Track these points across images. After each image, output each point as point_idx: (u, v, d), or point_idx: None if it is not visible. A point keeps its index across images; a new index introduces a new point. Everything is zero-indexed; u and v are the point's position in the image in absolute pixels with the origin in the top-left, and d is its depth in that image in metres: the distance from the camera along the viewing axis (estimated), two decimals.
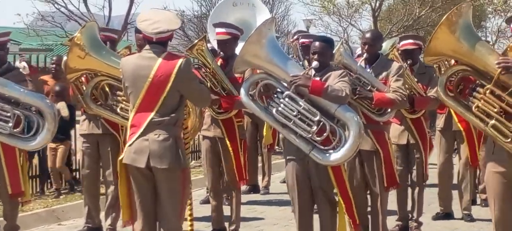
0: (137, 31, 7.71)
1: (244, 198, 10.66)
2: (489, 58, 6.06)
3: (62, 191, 11.03)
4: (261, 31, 6.63)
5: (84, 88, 7.93)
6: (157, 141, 6.19)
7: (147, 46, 6.33)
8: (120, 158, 6.37)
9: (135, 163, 6.24)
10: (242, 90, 6.77)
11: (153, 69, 6.21)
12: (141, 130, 6.21)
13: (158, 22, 6.30)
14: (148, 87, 6.21)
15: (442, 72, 7.85)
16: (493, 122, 6.06)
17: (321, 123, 6.52)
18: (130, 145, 6.26)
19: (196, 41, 8.33)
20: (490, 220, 8.21)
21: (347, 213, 6.86)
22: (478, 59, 6.10)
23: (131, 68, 6.32)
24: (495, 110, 6.05)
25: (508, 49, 7.12)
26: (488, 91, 6.06)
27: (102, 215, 8.79)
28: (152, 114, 6.21)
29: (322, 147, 6.56)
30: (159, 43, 6.31)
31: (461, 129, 9.31)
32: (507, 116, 6.04)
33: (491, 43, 9.96)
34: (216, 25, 8.71)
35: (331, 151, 6.56)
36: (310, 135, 6.53)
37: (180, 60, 6.25)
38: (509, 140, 6.01)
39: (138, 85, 6.25)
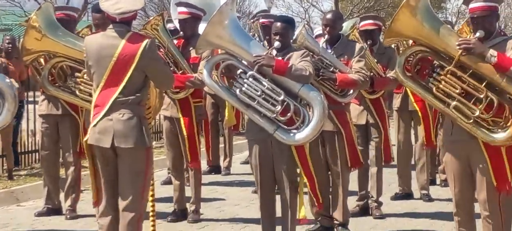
0: (95, 10, 7.65)
1: (206, 178, 10.68)
2: (450, 39, 6.09)
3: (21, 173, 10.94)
4: (223, 12, 6.59)
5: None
6: (121, 120, 6.14)
7: (111, 26, 6.28)
8: (85, 138, 6.31)
9: (99, 143, 6.18)
10: (205, 71, 6.74)
11: (117, 48, 6.16)
12: (105, 109, 6.15)
13: (120, 2, 6.24)
14: (112, 67, 6.15)
15: (401, 52, 7.90)
16: (455, 103, 6.09)
17: (285, 103, 6.52)
18: (94, 125, 6.19)
19: (151, 18, 8.26)
20: (449, 200, 8.30)
21: (311, 192, 6.88)
22: (439, 41, 6.12)
23: (95, 48, 6.26)
24: (457, 91, 6.09)
25: (459, 31, 7.20)
26: (449, 73, 6.10)
27: (61, 196, 8.73)
28: (116, 94, 6.15)
29: (286, 127, 6.57)
30: (123, 23, 6.26)
31: (417, 109, 9.38)
32: (468, 97, 6.08)
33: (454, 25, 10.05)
34: (177, 4, 8.66)
35: (295, 131, 6.57)
36: (274, 115, 6.53)
37: (145, 41, 6.21)
38: (472, 120, 6.05)
39: (102, 65, 6.19)
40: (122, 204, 6.24)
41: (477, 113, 6.02)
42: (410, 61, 6.36)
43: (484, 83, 6.00)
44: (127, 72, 6.14)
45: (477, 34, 6.07)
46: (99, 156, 6.26)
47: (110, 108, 6.15)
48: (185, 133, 8.22)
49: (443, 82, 6.12)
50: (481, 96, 6.01)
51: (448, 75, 6.11)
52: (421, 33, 6.17)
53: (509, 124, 6.01)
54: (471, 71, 6.05)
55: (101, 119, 6.16)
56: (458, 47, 6.01)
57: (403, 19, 6.17)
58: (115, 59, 6.15)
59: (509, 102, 6.00)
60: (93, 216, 7.68)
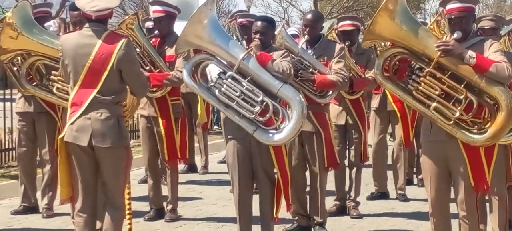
0: (72, 8, 7.61)
1: (183, 177, 10.66)
2: (428, 41, 6.12)
3: None
4: (202, 11, 6.59)
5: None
6: (99, 120, 6.14)
7: (87, 25, 6.26)
8: (61, 136, 6.29)
9: (77, 141, 6.18)
10: (184, 71, 6.74)
11: (94, 47, 6.16)
12: (83, 108, 6.15)
13: (97, 0, 6.24)
14: (89, 66, 6.15)
15: (379, 53, 7.93)
16: (435, 104, 6.12)
17: (264, 103, 6.52)
18: (72, 123, 6.18)
19: (126, 17, 8.25)
20: (425, 200, 8.34)
21: (283, 192, 6.88)
22: (417, 43, 6.15)
23: (71, 46, 6.24)
24: (437, 93, 6.12)
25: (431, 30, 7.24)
26: (428, 74, 6.13)
27: (38, 194, 8.68)
28: (94, 93, 6.15)
29: (265, 127, 6.57)
30: (99, 21, 6.25)
31: (396, 109, 9.40)
32: (447, 98, 6.11)
33: (428, 25, 10.05)
34: (152, 3, 8.67)
35: (274, 131, 6.58)
36: (254, 115, 6.53)
37: (122, 40, 6.22)
38: (452, 122, 6.08)
39: (79, 64, 6.18)
40: (106, 201, 6.29)
41: (457, 114, 6.05)
42: (389, 63, 6.38)
43: (463, 84, 6.04)
44: (104, 72, 6.15)
45: (455, 35, 6.11)
46: (75, 154, 6.25)
47: (88, 107, 6.15)
48: (163, 131, 8.20)
49: (422, 84, 6.16)
50: (461, 97, 6.05)
51: (428, 77, 6.14)
52: (400, 35, 6.20)
53: (487, 125, 6.06)
54: (450, 72, 6.08)
55: (78, 117, 6.16)
56: (436, 49, 6.04)
57: (382, 22, 6.19)
58: (92, 58, 6.15)
59: (488, 103, 6.04)
60: (70, 214, 7.67)
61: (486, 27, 7.26)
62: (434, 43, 6.07)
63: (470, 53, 5.96)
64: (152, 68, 8.06)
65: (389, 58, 6.35)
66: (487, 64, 5.92)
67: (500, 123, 5.98)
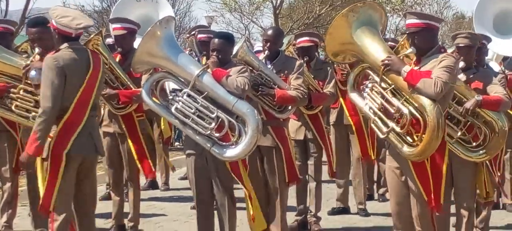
0: (30, 25, 7.52)
1: (144, 194, 10.62)
2: (380, 56, 6.26)
3: None
4: (155, 32, 6.63)
5: None
6: (97, 131, 6.72)
7: (66, 44, 6.39)
8: (66, 150, 6.35)
9: (89, 151, 6.52)
10: (143, 91, 6.77)
11: (91, 62, 6.42)
12: (85, 120, 6.40)
13: (77, 18, 6.43)
14: (88, 80, 6.40)
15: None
16: (374, 117, 6.28)
17: (220, 119, 6.55)
18: (77, 137, 6.38)
19: (91, 36, 8.24)
20: (386, 215, 8.40)
21: (250, 203, 6.94)
22: (368, 57, 6.30)
23: (73, 63, 6.36)
24: (377, 106, 6.24)
25: (400, 47, 7.35)
26: (374, 88, 6.30)
27: None
28: (89, 106, 6.42)
29: (221, 143, 6.60)
30: (77, 39, 6.45)
31: (352, 123, 9.46)
32: (387, 113, 6.24)
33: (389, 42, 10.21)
34: (111, 21, 8.69)
35: (231, 147, 6.61)
36: (209, 132, 6.56)
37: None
38: (385, 135, 6.21)
39: (80, 79, 6.38)
40: (91, 210, 6.73)
41: (390, 127, 6.16)
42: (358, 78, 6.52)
43: (404, 98, 6.16)
44: (96, 85, 6.45)
45: (410, 49, 6.24)
46: (76, 166, 6.46)
47: (88, 119, 6.42)
48: (132, 147, 8.18)
49: (369, 97, 6.27)
50: (392, 111, 6.14)
51: (374, 90, 6.25)
52: (354, 49, 6.30)
53: (419, 140, 6.11)
54: (393, 86, 6.23)
55: (82, 129, 6.40)
56: (381, 64, 6.20)
57: (336, 34, 6.32)
58: (89, 74, 6.40)
59: (423, 117, 6.08)
60: None
61: (461, 45, 7.28)
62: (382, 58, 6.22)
63: (405, 68, 6.10)
64: (120, 86, 8.06)
65: (360, 74, 6.46)
66: (415, 80, 6.04)
67: (426, 138, 6.05)
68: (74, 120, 6.37)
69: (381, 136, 6.21)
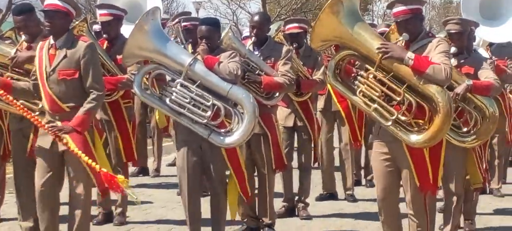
0: (16, 13, 7.47)
1: (133, 180, 10.63)
2: (372, 43, 6.17)
3: None
4: (143, 25, 6.58)
5: None
6: None
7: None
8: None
9: None
10: (135, 83, 6.72)
11: None
12: None
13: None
14: None
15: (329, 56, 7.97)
16: (375, 105, 6.18)
17: (216, 106, 6.53)
18: None
19: (76, 22, 8.19)
20: (374, 200, 8.41)
21: (240, 189, 6.92)
22: (362, 44, 6.20)
23: None
24: (377, 94, 6.18)
25: (390, 32, 7.33)
26: (371, 76, 6.18)
27: None
28: None
29: (219, 130, 6.59)
30: None
31: (340, 109, 9.46)
32: (389, 99, 6.17)
33: (377, 27, 10.21)
34: (98, 7, 8.63)
35: (228, 133, 6.60)
36: (206, 120, 6.54)
37: None
38: (390, 123, 6.14)
39: None
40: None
41: (395, 116, 6.10)
42: (340, 65, 6.43)
43: (404, 86, 6.09)
44: None
45: (402, 37, 6.19)
46: None
47: None
48: (118, 134, 8.16)
49: (365, 85, 6.21)
50: (398, 98, 6.10)
51: (370, 79, 6.19)
52: (344, 36, 6.24)
53: (427, 126, 6.11)
54: (392, 74, 6.13)
55: None
56: (377, 51, 6.09)
57: (326, 22, 6.24)
58: None
59: (430, 104, 6.09)
60: (16, 219, 7.62)
61: (452, 31, 7.30)
62: (377, 45, 6.13)
63: (409, 54, 6.01)
64: (105, 72, 8.02)
65: (341, 61, 6.40)
66: (424, 66, 5.97)
67: (437, 124, 6.03)
68: None
69: (386, 124, 6.16)
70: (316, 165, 9.20)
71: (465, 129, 6.95)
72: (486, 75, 7.05)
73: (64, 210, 6.61)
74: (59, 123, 6.35)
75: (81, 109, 6.33)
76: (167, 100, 6.60)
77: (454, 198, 7.21)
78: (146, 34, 6.58)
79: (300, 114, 8.64)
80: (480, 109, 6.93)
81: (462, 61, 7.23)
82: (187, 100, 6.56)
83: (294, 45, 8.55)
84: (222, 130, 6.60)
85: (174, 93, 6.59)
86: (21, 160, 7.43)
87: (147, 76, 6.79)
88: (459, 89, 6.76)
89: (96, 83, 6.40)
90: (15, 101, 6.42)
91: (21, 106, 6.44)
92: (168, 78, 6.67)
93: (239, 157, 6.92)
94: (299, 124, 8.67)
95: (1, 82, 6.58)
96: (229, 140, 6.61)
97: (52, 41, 6.47)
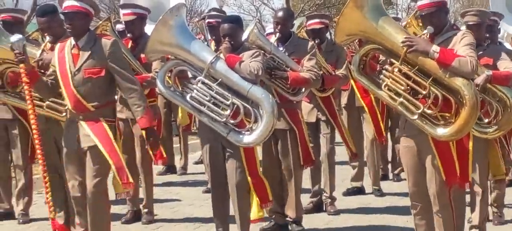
0: (39, 15, 7.51)
1: (161, 179, 10.68)
2: (396, 37, 6.12)
3: None
4: (168, 18, 6.60)
5: None
6: None
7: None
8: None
9: None
10: (158, 79, 6.75)
11: None
12: None
13: None
14: None
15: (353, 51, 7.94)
16: (401, 99, 6.14)
17: (235, 106, 6.54)
18: None
19: (99, 22, 8.22)
20: (401, 195, 8.38)
21: (256, 192, 6.91)
22: (386, 38, 6.16)
23: None
24: (402, 88, 6.14)
25: (407, 25, 7.28)
26: (396, 70, 6.14)
27: (14, 200, 8.63)
28: None
29: (238, 129, 6.59)
30: None
31: (364, 105, 9.43)
32: (414, 93, 6.13)
33: (401, 21, 10.17)
34: (121, 6, 8.65)
35: (247, 133, 6.60)
36: (225, 119, 6.55)
37: None
38: (416, 117, 6.10)
39: None
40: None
41: (421, 109, 6.06)
42: (364, 59, 6.40)
43: (430, 79, 6.05)
44: None
45: (426, 30, 6.14)
46: None
47: None
48: (144, 133, 8.19)
49: (390, 79, 6.17)
50: (424, 92, 6.05)
51: (395, 72, 6.15)
52: (368, 30, 6.20)
53: (453, 119, 6.07)
54: (417, 67, 6.10)
55: None
56: (402, 45, 6.05)
57: (350, 16, 6.20)
58: None
59: (456, 97, 6.04)
60: (46, 219, 7.64)
61: (470, 23, 7.27)
62: (401, 39, 6.09)
63: (434, 48, 5.96)
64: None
65: (365, 55, 6.37)
66: (450, 59, 5.91)
67: (463, 117, 5.97)
68: None
69: (412, 118, 6.12)
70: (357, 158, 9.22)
71: (486, 120, 6.90)
72: (506, 65, 7.01)
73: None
74: (83, 123, 6.39)
75: (136, 115, 6.57)
76: (188, 97, 6.63)
77: (479, 191, 7.15)
78: (170, 29, 6.60)
79: (322, 109, 8.61)
80: (501, 100, 6.88)
81: (480, 52, 7.16)
82: (207, 98, 6.58)
83: (316, 41, 8.50)
84: (241, 129, 6.61)
85: (195, 91, 6.61)
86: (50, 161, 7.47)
87: (169, 74, 6.81)
88: (479, 80, 6.70)
89: (129, 82, 6.50)
90: (30, 97, 6.53)
91: (32, 103, 6.58)
92: (189, 75, 6.68)
93: (255, 159, 6.91)
94: (322, 118, 8.64)
95: (31, 71, 6.59)
96: (247, 139, 6.61)
97: (73, 42, 6.50)
